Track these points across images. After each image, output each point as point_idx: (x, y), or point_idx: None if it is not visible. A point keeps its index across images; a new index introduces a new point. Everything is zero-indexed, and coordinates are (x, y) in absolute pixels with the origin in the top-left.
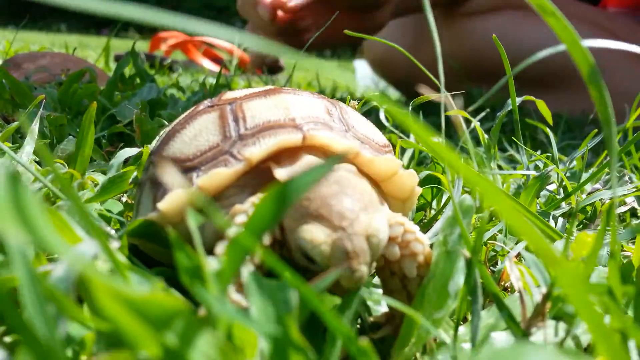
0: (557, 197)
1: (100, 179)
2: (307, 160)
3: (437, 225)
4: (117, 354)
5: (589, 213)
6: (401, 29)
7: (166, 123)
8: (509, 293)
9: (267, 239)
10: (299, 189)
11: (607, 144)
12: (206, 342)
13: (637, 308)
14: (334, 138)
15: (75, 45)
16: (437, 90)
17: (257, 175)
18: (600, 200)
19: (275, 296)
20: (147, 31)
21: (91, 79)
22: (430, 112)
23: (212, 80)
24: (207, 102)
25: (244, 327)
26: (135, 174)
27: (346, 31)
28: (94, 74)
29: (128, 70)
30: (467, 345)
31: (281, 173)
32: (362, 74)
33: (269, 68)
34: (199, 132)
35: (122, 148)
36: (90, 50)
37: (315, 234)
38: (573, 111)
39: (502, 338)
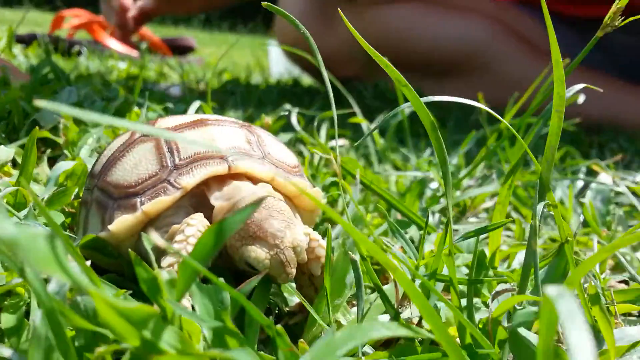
0: (437, 194)
1: (34, 187)
2: (233, 185)
3: (338, 228)
4: (111, 346)
5: (461, 207)
6: (309, 14)
7: (90, 130)
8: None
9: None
10: (233, 224)
11: (443, 177)
12: (169, 335)
13: (469, 292)
14: (253, 166)
15: None
16: (348, 78)
17: (191, 198)
18: (470, 197)
19: (213, 298)
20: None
21: (6, 81)
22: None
23: (122, 65)
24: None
25: (191, 322)
26: (77, 190)
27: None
28: (7, 75)
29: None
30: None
31: (215, 198)
32: (276, 59)
33: (179, 49)
34: (138, 161)
35: (45, 152)
36: None
37: (258, 253)
38: (471, 98)
39: (385, 317)
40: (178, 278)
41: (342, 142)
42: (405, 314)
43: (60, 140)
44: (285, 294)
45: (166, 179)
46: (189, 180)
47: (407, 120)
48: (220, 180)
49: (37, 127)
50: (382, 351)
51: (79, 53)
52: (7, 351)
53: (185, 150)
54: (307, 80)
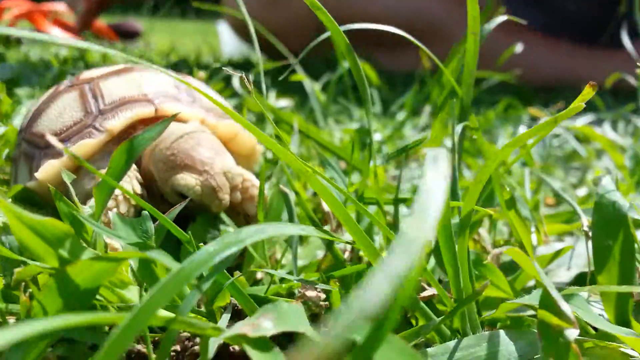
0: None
1: None
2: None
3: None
4: (29, 267)
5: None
6: None
7: (25, 101)
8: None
9: (138, 189)
10: (142, 142)
11: (362, 97)
12: (88, 255)
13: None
14: (181, 108)
15: None
16: (296, 53)
17: (119, 143)
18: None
19: (137, 227)
20: None
21: None
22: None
23: (65, 52)
24: (66, 82)
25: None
26: (7, 151)
27: None
28: None
29: None
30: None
31: None
32: (227, 39)
33: (125, 34)
34: (63, 109)
35: None
36: None
37: (187, 181)
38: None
39: (321, 252)
40: (95, 201)
41: (286, 102)
42: (340, 246)
43: None
44: None
45: (91, 124)
46: (114, 123)
47: (347, 74)
48: (147, 123)
49: None
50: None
51: (18, 41)
52: None
53: (110, 96)
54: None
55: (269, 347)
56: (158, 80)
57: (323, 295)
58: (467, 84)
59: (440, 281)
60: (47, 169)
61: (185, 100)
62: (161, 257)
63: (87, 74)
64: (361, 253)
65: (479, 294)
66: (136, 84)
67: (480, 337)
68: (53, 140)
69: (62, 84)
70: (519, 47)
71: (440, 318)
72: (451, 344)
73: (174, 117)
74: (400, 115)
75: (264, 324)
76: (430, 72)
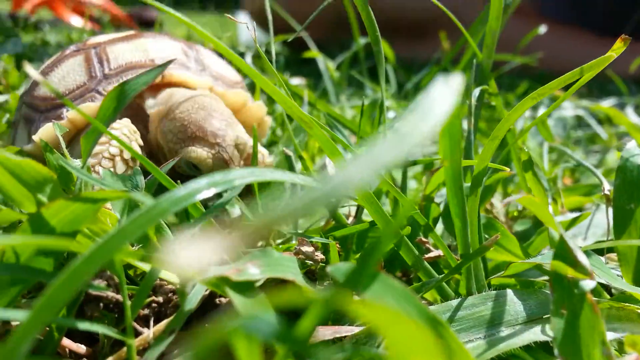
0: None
1: None
2: (167, 91)
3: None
4: (4, 211)
5: None
6: None
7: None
8: None
9: (138, 150)
10: (134, 87)
11: (376, 59)
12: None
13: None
14: (189, 75)
15: None
16: (317, 41)
17: (124, 110)
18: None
19: (127, 180)
20: None
21: None
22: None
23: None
24: (72, 47)
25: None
26: (7, 116)
27: None
28: None
29: None
30: None
31: (149, 106)
32: (244, 27)
33: (145, 22)
34: (66, 73)
35: None
36: None
37: (199, 153)
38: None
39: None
40: (82, 148)
41: (299, 80)
42: (344, 210)
43: (1, 87)
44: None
45: (94, 89)
46: None
47: (363, 50)
48: (155, 90)
49: None
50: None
51: (35, 26)
52: None
53: (116, 60)
54: (276, 47)
55: (254, 293)
56: (167, 47)
57: (322, 256)
58: (489, 46)
59: (449, 247)
60: (46, 131)
61: (194, 68)
62: (143, 198)
63: (94, 39)
64: (365, 217)
65: (488, 248)
66: (143, 50)
67: (485, 296)
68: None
69: (68, 48)
70: (542, 29)
71: (442, 275)
72: (454, 302)
73: (167, 64)
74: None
75: (250, 270)
76: (450, 61)
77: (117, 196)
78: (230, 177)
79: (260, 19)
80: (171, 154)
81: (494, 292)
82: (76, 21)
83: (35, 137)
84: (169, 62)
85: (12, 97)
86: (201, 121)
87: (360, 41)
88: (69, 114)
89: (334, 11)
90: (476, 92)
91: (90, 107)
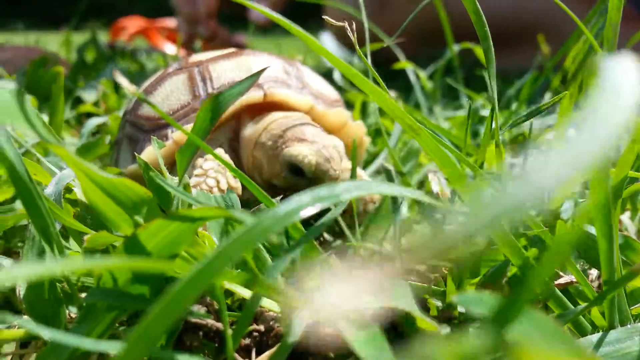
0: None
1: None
2: (267, 116)
3: (378, 161)
4: (100, 234)
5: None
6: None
7: (132, 98)
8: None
9: (224, 184)
10: (228, 98)
11: (486, 57)
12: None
13: None
14: (291, 94)
15: (29, 41)
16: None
17: (225, 132)
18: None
19: (220, 199)
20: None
21: (53, 66)
22: (395, 75)
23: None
24: (175, 65)
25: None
26: (108, 137)
27: None
28: (57, 61)
29: (90, 57)
30: None
31: (246, 129)
32: (328, 45)
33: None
34: (170, 92)
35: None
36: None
37: (301, 150)
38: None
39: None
40: (177, 164)
41: (391, 93)
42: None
43: (101, 111)
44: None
45: (198, 109)
46: None
47: (458, 58)
48: (254, 113)
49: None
50: None
51: (132, 54)
52: (6, 261)
53: (219, 79)
54: (359, 63)
55: (366, 324)
56: (268, 64)
57: (436, 274)
58: (610, 39)
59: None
60: (152, 153)
61: (295, 86)
62: (243, 216)
63: (196, 57)
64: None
65: (637, 274)
66: (246, 68)
67: (631, 329)
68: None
69: (171, 66)
70: None
71: (581, 306)
72: (594, 336)
73: (261, 72)
74: (514, 106)
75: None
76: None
77: (216, 214)
78: (337, 191)
79: (341, 35)
80: (271, 163)
81: None
82: (170, 49)
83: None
84: (262, 70)
85: (112, 119)
86: (299, 127)
87: (454, 48)
88: (175, 135)
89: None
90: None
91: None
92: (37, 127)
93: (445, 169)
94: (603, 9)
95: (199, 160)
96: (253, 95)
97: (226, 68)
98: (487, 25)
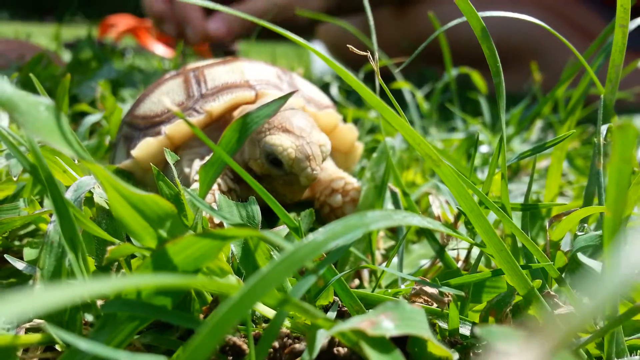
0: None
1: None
2: (260, 101)
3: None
4: (124, 246)
5: (515, 167)
6: (354, 20)
7: (129, 100)
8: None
9: (225, 186)
10: (256, 120)
11: (497, 91)
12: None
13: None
14: (282, 95)
15: (19, 33)
16: (390, 71)
17: (219, 129)
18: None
19: (242, 210)
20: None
21: (48, 63)
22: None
23: (167, 65)
24: (172, 72)
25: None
26: (108, 138)
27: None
28: (50, 59)
29: (84, 56)
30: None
31: None
32: (318, 58)
33: (226, 52)
34: (166, 93)
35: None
36: (40, 39)
37: (283, 141)
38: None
39: (426, 261)
40: (200, 179)
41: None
42: (450, 246)
43: (96, 112)
44: None
45: (192, 107)
46: (214, 105)
47: (457, 82)
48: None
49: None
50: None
51: (122, 53)
52: (20, 264)
53: (213, 82)
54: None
55: (389, 348)
56: (261, 70)
57: (448, 299)
58: (612, 80)
59: None
60: (144, 147)
61: (287, 89)
62: (275, 238)
63: (193, 65)
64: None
65: (637, 312)
66: (239, 72)
67: None
68: (168, 103)
69: (168, 73)
70: None
71: (584, 339)
72: None
73: (288, 97)
74: (508, 130)
75: (384, 323)
76: (541, 90)
77: (247, 234)
78: (367, 220)
79: (334, 49)
80: (251, 148)
81: (638, 357)
82: (159, 50)
83: (133, 153)
84: (287, 95)
85: (109, 121)
86: (288, 116)
87: (452, 72)
88: (167, 130)
89: (410, 39)
90: (603, 129)
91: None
92: (74, 145)
93: (462, 201)
94: (604, 45)
95: (196, 162)
96: (244, 95)
97: (220, 72)
98: (499, 61)
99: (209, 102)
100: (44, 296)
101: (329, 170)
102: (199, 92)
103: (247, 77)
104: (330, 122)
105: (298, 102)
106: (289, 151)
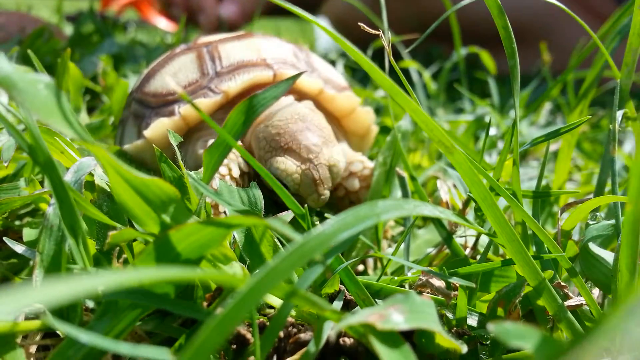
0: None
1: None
2: (277, 104)
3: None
4: (125, 230)
5: (523, 152)
6: None
7: (130, 75)
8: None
9: (237, 171)
10: (262, 102)
11: (511, 74)
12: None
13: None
14: (302, 76)
15: (20, 5)
16: (396, 49)
17: (224, 111)
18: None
19: (244, 196)
20: None
21: (50, 37)
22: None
23: (169, 40)
24: (183, 46)
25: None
26: (112, 119)
27: None
28: (52, 32)
29: (86, 29)
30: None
31: None
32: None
33: (230, 28)
34: (178, 70)
35: (88, 101)
36: (42, 12)
37: (287, 165)
38: (528, 69)
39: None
40: (204, 163)
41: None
42: (458, 234)
43: (99, 88)
44: None
45: (207, 86)
46: (231, 85)
47: (464, 62)
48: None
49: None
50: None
51: (124, 27)
52: (19, 247)
53: (228, 59)
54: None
55: (398, 342)
56: (278, 47)
57: (455, 292)
58: (628, 65)
59: None
60: (158, 127)
61: (304, 69)
62: (283, 228)
63: (205, 39)
64: (481, 249)
65: None
66: (255, 49)
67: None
68: (174, 85)
69: (179, 47)
70: None
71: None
72: None
73: (297, 77)
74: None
75: (393, 316)
76: (550, 72)
77: (253, 223)
78: (377, 211)
79: (340, 26)
80: (260, 162)
81: None
82: (162, 24)
83: (146, 134)
84: (296, 76)
85: (111, 98)
86: (297, 132)
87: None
88: (182, 109)
89: (416, 16)
90: (619, 115)
91: (203, 103)
92: (75, 126)
93: (474, 189)
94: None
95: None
96: (262, 75)
97: (235, 48)
98: (514, 42)
99: (225, 81)
100: (44, 292)
101: (347, 153)
102: (213, 69)
103: (264, 55)
104: (350, 105)
105: (316, 84)
106: (293, 177)
